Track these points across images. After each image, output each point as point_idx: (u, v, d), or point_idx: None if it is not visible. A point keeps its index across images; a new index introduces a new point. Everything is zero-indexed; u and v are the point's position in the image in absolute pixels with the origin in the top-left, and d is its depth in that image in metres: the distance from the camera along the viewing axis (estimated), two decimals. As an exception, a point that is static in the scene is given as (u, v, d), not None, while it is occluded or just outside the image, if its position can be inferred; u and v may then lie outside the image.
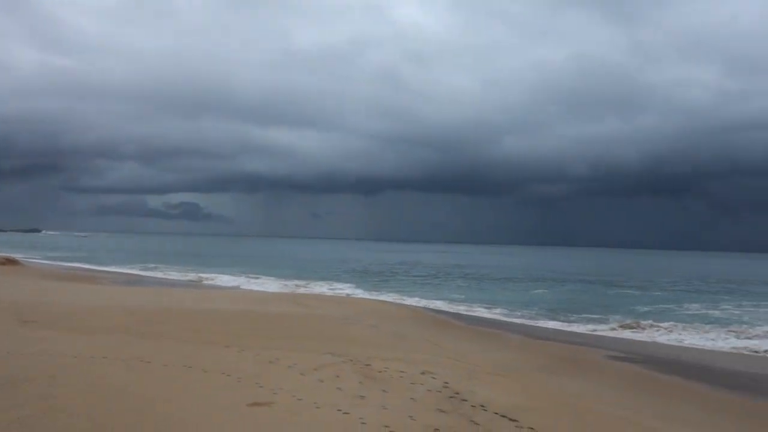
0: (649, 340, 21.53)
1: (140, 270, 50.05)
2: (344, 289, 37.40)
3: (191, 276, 44.70)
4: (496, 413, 8.68)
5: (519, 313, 28.51)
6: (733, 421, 11.03)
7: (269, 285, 38.90)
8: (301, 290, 35.75)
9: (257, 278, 44.02)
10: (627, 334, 22.85)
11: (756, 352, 19.23)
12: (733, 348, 19.96)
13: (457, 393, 9.69)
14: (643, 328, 24.14)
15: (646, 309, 31.41)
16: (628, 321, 26.14)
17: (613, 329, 24.05)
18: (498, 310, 29.55)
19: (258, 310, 20.76)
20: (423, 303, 31.01)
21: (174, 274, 46.15)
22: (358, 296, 33.40)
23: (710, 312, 30.70)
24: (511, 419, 8.45)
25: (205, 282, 40.53)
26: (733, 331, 23.39)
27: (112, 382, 9.13)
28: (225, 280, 41.89)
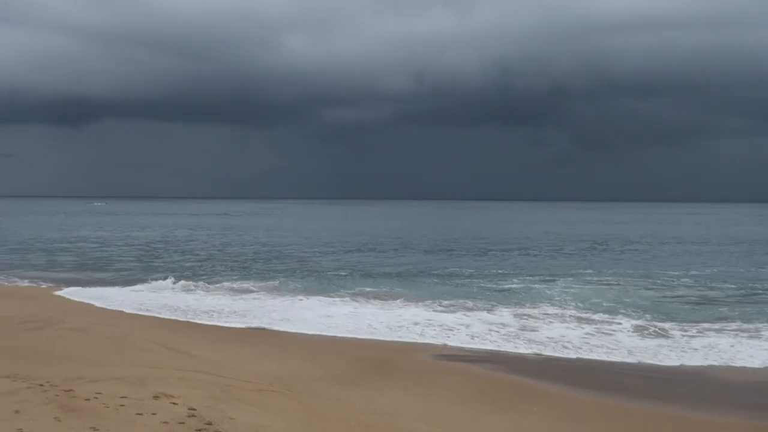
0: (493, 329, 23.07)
1: None
2: (36, 280, 35.37)
3: None
4: (266, 448, 8.83)
5: (317, 299, 29.22)
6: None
7: None
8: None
9: None
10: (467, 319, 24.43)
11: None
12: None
13: (209, 423, 9.74)
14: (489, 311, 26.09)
15: (489, 287, 33.57)
16: (467, 301, 28.18)
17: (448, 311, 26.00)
18: (285, 294, 30.02)
19: None
20: (165, 294, 30.52)
21: None
22: (55, 287, 31.92)
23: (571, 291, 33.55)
24: (288, 455, 8.63)
25: None
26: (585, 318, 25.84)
27: None
28: None
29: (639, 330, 23.20)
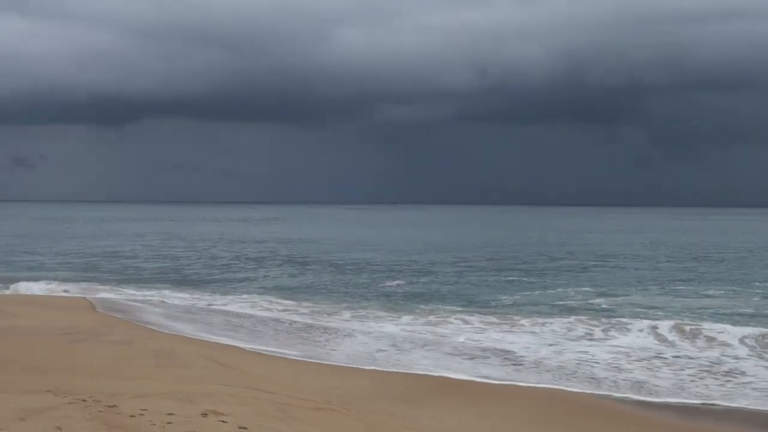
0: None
1: None
2: (69, 288, 35.77)
3: None
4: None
5: (363, 312, 29.31)
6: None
7: None
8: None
9: None
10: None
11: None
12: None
13: (262, 443, 9.68)
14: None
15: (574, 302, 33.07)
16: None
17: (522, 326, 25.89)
18: (336, 311, 29.92)
19: None
20: (211, 301, 30.83)
21: None
22: (99, 297, 32.31)
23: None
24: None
25: None
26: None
27: None
28: None
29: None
